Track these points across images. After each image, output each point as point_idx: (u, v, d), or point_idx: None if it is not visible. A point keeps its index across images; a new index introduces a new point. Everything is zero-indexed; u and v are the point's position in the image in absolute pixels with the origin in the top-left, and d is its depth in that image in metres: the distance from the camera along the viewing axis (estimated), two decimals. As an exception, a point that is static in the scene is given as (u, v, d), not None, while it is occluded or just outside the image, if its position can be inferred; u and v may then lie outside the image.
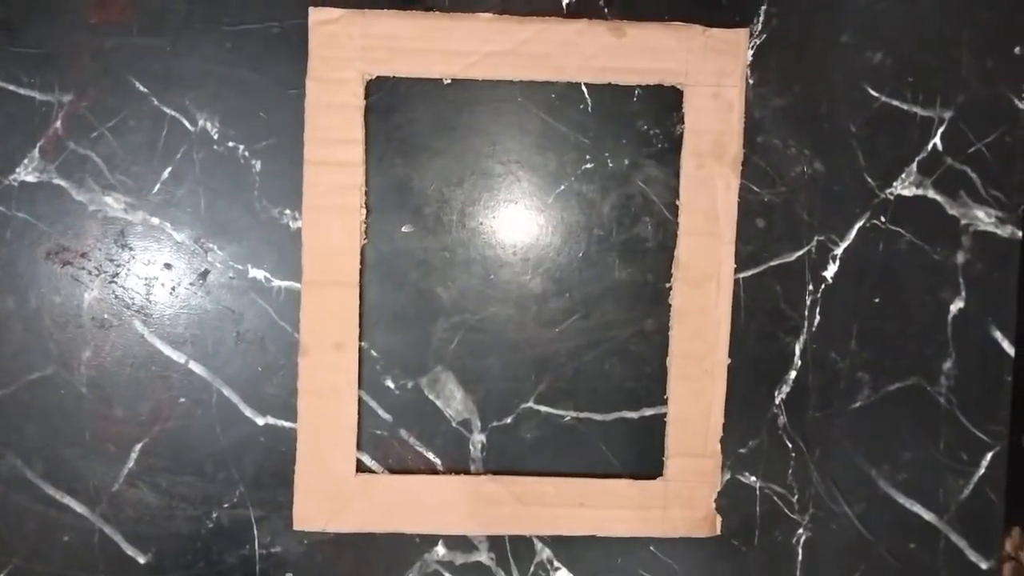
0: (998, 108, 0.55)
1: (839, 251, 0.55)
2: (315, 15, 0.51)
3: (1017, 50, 0.55)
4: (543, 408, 0.54)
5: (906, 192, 0.55)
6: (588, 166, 0.54)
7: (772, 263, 0.54)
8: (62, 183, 0.52)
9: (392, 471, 0.53)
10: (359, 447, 0.53)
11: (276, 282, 0.52)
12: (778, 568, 0.55)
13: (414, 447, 0.54)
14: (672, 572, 0.55)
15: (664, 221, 0.54)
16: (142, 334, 0.52)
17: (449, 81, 0.53)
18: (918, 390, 0.55)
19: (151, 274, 0.52)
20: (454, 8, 0.52)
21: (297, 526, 0.52)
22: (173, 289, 0.52)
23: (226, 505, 0.53)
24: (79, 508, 0.52)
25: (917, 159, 0.55)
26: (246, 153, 0.52)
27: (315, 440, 0.52)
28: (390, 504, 0.52)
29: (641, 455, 0.54)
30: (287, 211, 0.52)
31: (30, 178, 0.52)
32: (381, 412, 0.53)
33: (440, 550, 0.54)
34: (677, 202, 0.53)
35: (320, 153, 0.51)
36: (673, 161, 0.53)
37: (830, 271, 0.55)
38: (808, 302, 0.55)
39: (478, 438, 0.54)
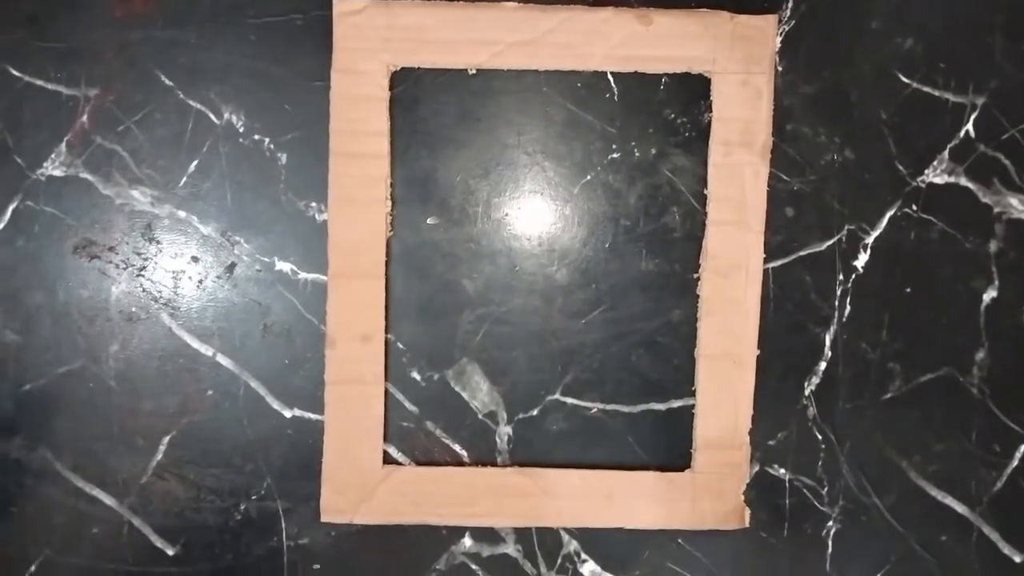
0: (1033, 93, 0.54)
1: (870, 240, 0.54)
2: (339, 6, 0.51)
3: (1052, 34, 0.54)
4: (569, 400, 0.54)
5: (938, 180, 0.54)
6: (614, 156, 0.53)
7: (802, 253, 0.54)
8: (89, 177, 0.52)
9: (418, 463, 0.53)
10: (385, 439, 0.53)
11: (302, 275, 0.52)
12: (807, 561, 0.55)
13: (440, 439, 0.54)
14: (700, 565, 0.54)
15: (692, 211, 0.53)
16: (170, 327, 0.52)
17: (474, 72, 0.52)
18: (950, 381, 0.54)
19: (178, 267, 0.52)
20: (479, -2, 0.52)
21: (324, 518, 0.52)
22: (200, 282, 0.52)
23: (254, 497, 0.53)
24: (108, 500, 0.52)
25: (949, 146, 0.54)
26: (271, 146, 0.52)
27: (342, 432, 0.52)
28: (417, 496, 0.52)
29: (669, 447, 0.54)
30: (313, 204, 0.52)
31: (57, 172, 0.52)
32: (408, 404, 0.53)
33: (467, 542, 0.54)
34: (705, 191, 0.53)
35: (345, 145, 0.51)
36: (701, 150, 0.53)
37: (861, 261, 0.54)
38: (838, 292, 0.54)
39: (504, 430, 0.54)
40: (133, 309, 0.52)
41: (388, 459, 0.53)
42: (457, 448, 0.54)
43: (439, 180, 0.53)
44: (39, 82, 0.51)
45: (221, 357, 0.52)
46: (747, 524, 0.53)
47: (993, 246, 0.54)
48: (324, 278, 0.52)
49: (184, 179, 0.52)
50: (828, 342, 0.54)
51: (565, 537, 0.54)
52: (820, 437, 0.54)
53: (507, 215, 0.53)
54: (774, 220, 0.53)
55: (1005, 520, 0.55)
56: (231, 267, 0.52)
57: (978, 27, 0.54)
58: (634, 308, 0.54)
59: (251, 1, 0.52)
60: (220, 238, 0.52)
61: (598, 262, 0.54)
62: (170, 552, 0.53)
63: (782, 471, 0.54)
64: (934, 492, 0.55)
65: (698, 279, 0.53)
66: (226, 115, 0.52)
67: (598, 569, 0.54)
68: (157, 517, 0.53)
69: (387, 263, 0.52)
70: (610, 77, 0.53)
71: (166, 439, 0.52)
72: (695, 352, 0.53)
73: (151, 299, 0.52)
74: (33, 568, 0.53)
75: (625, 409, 0.54)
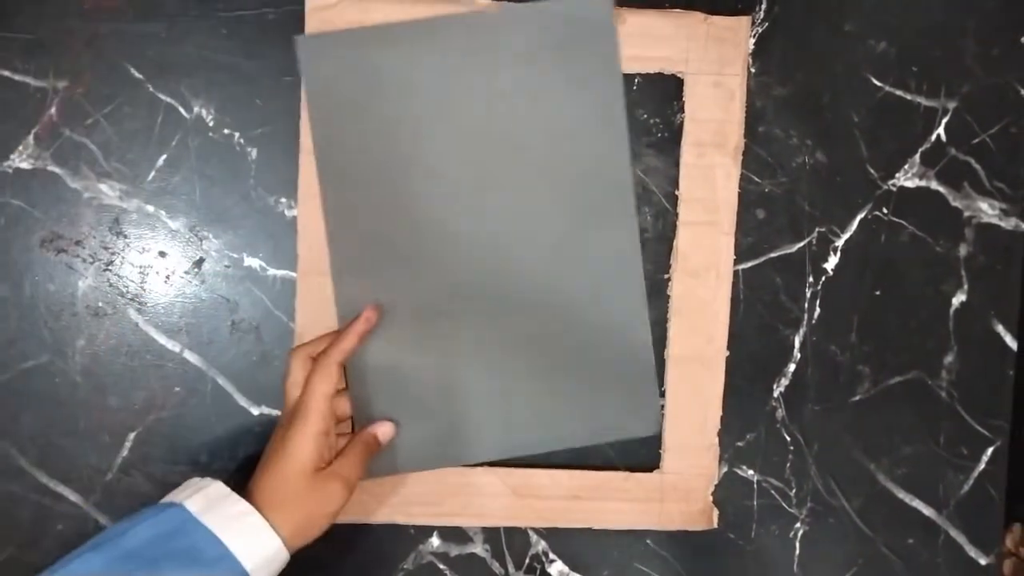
0: (1003, 98, 0.54)
1: (840, 243, 0.54)
2: (311, 1, 0.51)
3: (1022, 39, 0.54)
4: (540, 399, 0.54)
5: (909, 183, 0.54)
6: (587, 155, 0.53)
7: (772, 254, 0.54)
8: (57, 170, 0.51)
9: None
10: (354, 437, 0.52)
11: (272, 271, 0.52)
12: (775, 562, 0.55)
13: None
14: (668, 565, 0.54)
15: (663, 211, 0.53)
16: (136, 323, 0.52)
17: (446, 69, 0.52)
18: (919, 384, 0.55)
19: (146, 262, 0.52)
20: (452, -5, 0.52)
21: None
22: (168, 278, 0.52)
23: (221, 495, 0.52)
24: (73, 497, 0.52)
25: (920, 150, 0.54)
26: (242, 140, 0.52)
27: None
28: (384, 495, 0.52)
29: (638, 447, 0.54)
30: (283, 199, 0.52)
31: (25, 165, 0.51)
32: (376, 402, 0.53)
33: (435, 541, 0.53)
34: (676, 192, 0.53)
35: (316, 141, 0.51)
36: (673, 151, 0.53)
37: (831, 263, 0.54)
38: (808, 294, 0.54)
39: (474, 429, 0.54)
40: (100, 304, 0.52)
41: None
42: (426, 447, 0.54)
43: (410, 177, 0.53)
44: (6, 73, 0.51)
45: (188, 353, 0.52)
46: (715, 525, 0.54)
47: (963, 250, 0.54)
48: (293, 275, 0.52)
49: (153, 173, 0.52)
50: (797, 344, 0.54)
51: (533, 537, 0.54)
52: (789, 439, 0.54)
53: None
54: (745, 222, 0.53)
55: (972, 523, 0.55)
56: (199, 262, 0.52)
57: (950, 32, 0.54)
58: (605, 308, 0.54)
59: (223, -5, 0.51)
60: (188, 233, 0.52)
61: (569, 262, 0.53)
62: (135, 549, 0.52)
63: (750, 472, 0.54)
64: (902, 495, 0.55)
65: (668, 280, 0.53)
66: (196, 109, 0.51)
67: (566, 569, 0.54)
68: (122, 514, 0.52)
69: (357, 260, 0.52)
70: (583, 76, 0.53)
71: (132, 436, 0.52)
72: (664, 353, 0.53)
73: (118, 294, 0.52)
74: (-4, 564, 0.52)
75: (595, 409, 0.54)
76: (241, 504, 0.42)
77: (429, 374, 0.50)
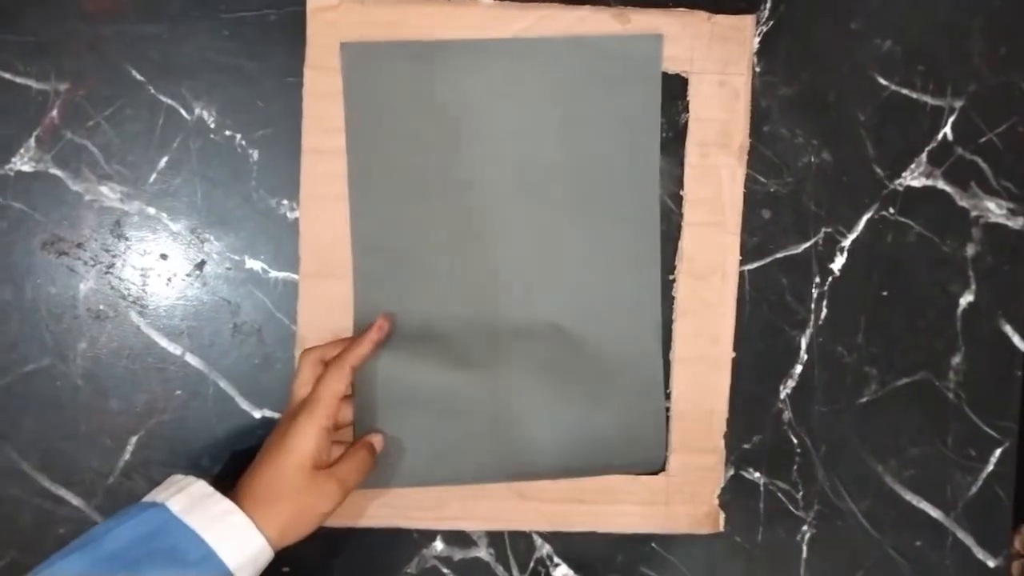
0: (1010, 97, 0.54)
1: (847, 243, 0.54)
2: (313, 2, 0.50)
3: (1030, 37, 0.54)
4: (544, 402, 0.53)
5: (915, 183, 0.54)
6: (590, 156, 0.53)
7: (778, 255, 0.54)
8: (58, 173, 0.51)
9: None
10: (357, 440, 0.52)
11: (273, 273, 0.52)
12: (782, 566, 0.54)
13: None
14: (674, 569, 0.54)
15: (667, 212, 0.53)
16: (138, 325, 0.52)
17: (449, 69, 0.52)
18: (926, 385, 0.54)
19: (147, 265, 0.52)
20: (454, -5, 0.51)
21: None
22: (169, 280, 0.52)
23: (223, 498, 0.52)
24: (75, 501, 0.52)
25: (927, 149, 0.54)
26: (243, 142, 0.51)
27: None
28: (388, 499, 0.52)
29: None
30: (284, 201, 0.52)
31: (26, 168, 0.51)
32: (380, 405, 0.53)
33: (438, 546, 0.53)
34: (681, 192, 0.52)
35: (318, 142, 0.51)
36: (677, 150, 0.52)
37: (837, 263, 0.54)
38: (815, 295, 0.54)
39: (478, 432, 0.53)
40: (101, 307, 0.52)
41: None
42: (430, 450, 0.53)
43: (413, 179, 0.52)
44: (8, 76, 0.51)
45: (190, 356, 0.52)
46: (722, 528, 0.53)
47: (970, 250, 0.54)
48: (295, 277, 0.51)
49: (154, 175, 0.51)
50: (804, 345, 0.54)
51: (538, 541, 0.53)
52: (795, 441, 0.54)
53: (482, 215, 0.53)
54: (750, 222, 0.53)
55: (980, 525, 0.55)
56: (201, 265, 0.52)
57: (957, 30, 0.53)
58: (610, 309, 0.53)
59: (224, -4, 0.51)
60: (190, 235, 0.52)
61: (574, 263, 0.53)
62: (138, 553, 0.52)
63: (757, 475, 0.54)
64: (909, 496, 0.54)
65: (674, 281, 0.53)
66: (197, 111, 0.51)
67: (571, 573, 0.53)
68: (125, 518, 0.52)
69: (360, 262, 0.51)
70: (587, 76, 0.52)
71: (134, 439, 0.52)
72: (670, 354, 0.53)
73: (119, 297, 0.52)
74: (-3, 569, 0.52)
75: (600, 411, 0.54)
76: (224, 503, 0.42)
77: (437, 389, 0.50)
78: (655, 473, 0.53)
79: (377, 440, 0.49)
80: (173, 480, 0.44)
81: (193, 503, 0.42)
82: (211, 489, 0.43)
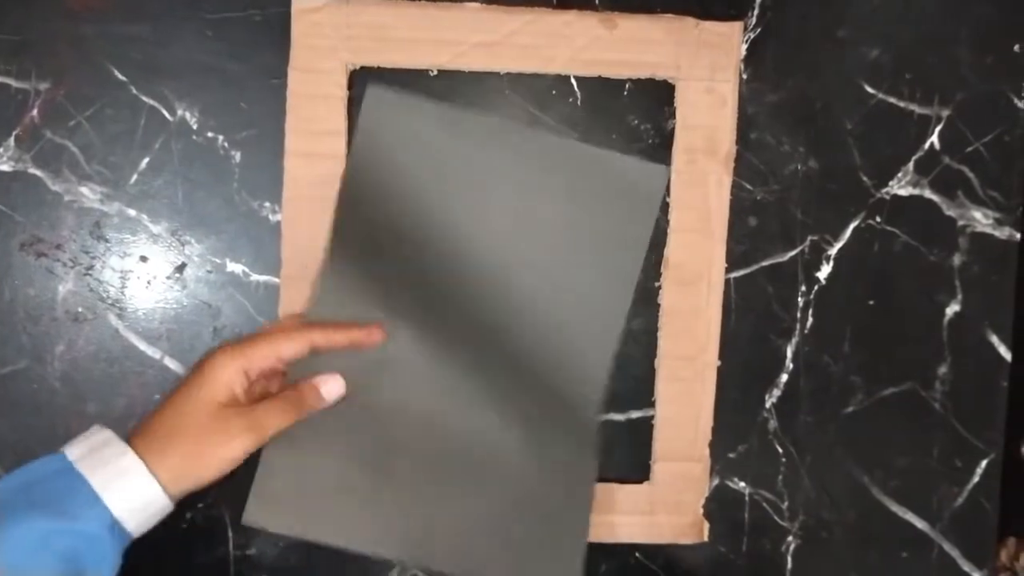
0: (997, 107, 0.54)
1: (833, 251, 0.53)
2: (298, 3, 0.50)
3: (1017, 47, 0.54)
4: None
5: (902, 192, 0.54)
6: (576, 161, 0.52)
7: (764, 263, 0.53)
8: (38, 173, 0.50)
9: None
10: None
11: (254, 276, 0.51)
12: (767, 576, 0.54)
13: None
14: (658, 579, 0.53)
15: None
16: (117, 328, 0.51)
17: (435, 73, 0.51)
18: (912, 395, 0.54)
19: (127, 267, 0.51)
20: (441, -2, 0.51)
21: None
22: (149, 282, 0.51)
23: (200, 505, 0.51)
24: (50, 506, 0.51)
25: (914, 158, 0.53)
26: (226, 144, 0.51)
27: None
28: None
29: (627, 459, 0.53)
30: (267, 204, 0.51)
31: (5, 167, 0.50)
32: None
33: (420, 553, 0.52)
34: (667, 199, 0.52)
35: (301, 145, 0.50)
36: (664, 157, 0.52)
37: (823, 272, 0.53)
38: (801, 303, 0.53)
39: (461, 439, 0.53)
40: (80, 309, 0.51)
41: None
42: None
43: (398, 182, 0.52)
44: (-12, 74, 0.50)
45: (169, 360, 0.51)
46: (706, 538, 0.53)
47: (957, 259, 0.54)
48: (277, 280, 0.51)
49: (135, 176, 0.51)
50: (790, 354, 0.53)
51: (520, 549, 0.53)
52: (781, 450, 0.54)
53: (467, 219, 0.52)
54: (736, 229, 0.52)
55: (966, 536, 0.54)
56: (181, 267, 0.51)
57: (945, 40, 0.53)
58: (595, 316, 0.53)
59: (208, -4, 0.51)
60: (170, 237, 0.51)
61: (559, 269, 0.53)
62: (114, 560, 0.51)
63: (742, 484, 0.54)
64: (895, 508, 0.54)
65: (659, 288, 0.52)
66: (180, 111, 0.51)
67: (553, 582, 0.53)
68: (101, 524, 0.51)
69: (342, 266, 0.51)
70: (573, 81, 0.52)
71: (111, 443, 0.51)
72: (655, 362, 0.52)
73: (98, 299, 0.51)
74: (-30, 575, 0.51)
75: (584, 419, 0.53)
76: (118, 446, 0.40)
77: (365, 447, 0.48)
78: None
79: (329, 387, 0.44)
80: (88, 431, 0.41)
81: (92, 450, 0.39)
82: (112, 435, 0.40)
